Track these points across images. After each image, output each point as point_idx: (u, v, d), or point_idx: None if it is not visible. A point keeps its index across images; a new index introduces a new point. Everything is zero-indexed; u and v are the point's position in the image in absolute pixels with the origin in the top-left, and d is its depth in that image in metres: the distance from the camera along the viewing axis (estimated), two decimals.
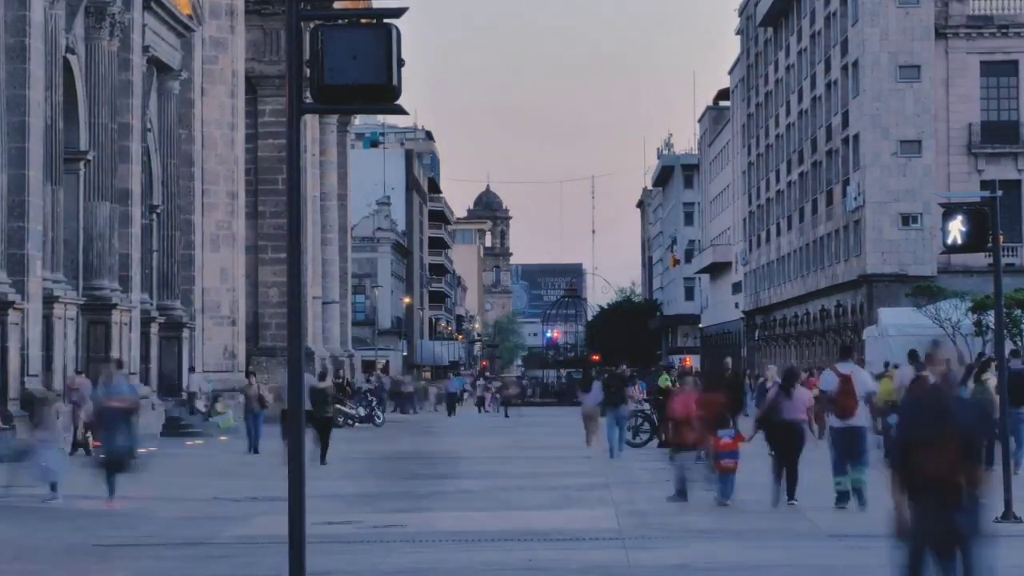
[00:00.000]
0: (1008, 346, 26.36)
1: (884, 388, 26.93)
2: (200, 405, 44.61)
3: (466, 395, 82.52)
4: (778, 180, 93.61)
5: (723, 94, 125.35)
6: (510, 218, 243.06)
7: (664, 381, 39.07)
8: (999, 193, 18.67)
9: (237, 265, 50.63)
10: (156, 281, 45.08)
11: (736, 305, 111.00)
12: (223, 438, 40.19)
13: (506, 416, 64.20)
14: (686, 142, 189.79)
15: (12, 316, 32.69)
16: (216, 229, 49.64)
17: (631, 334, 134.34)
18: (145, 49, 42.83)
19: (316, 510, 17.70)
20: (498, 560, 15.12)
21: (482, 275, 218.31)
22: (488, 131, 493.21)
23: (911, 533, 9.55)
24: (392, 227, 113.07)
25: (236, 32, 50.85)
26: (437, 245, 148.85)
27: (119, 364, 28.16)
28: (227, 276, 49.95)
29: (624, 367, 40.68)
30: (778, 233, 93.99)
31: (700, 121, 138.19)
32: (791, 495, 20.45)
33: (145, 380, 42.85)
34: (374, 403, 53.70)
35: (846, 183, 73.40)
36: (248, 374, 41.18)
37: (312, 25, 9.42)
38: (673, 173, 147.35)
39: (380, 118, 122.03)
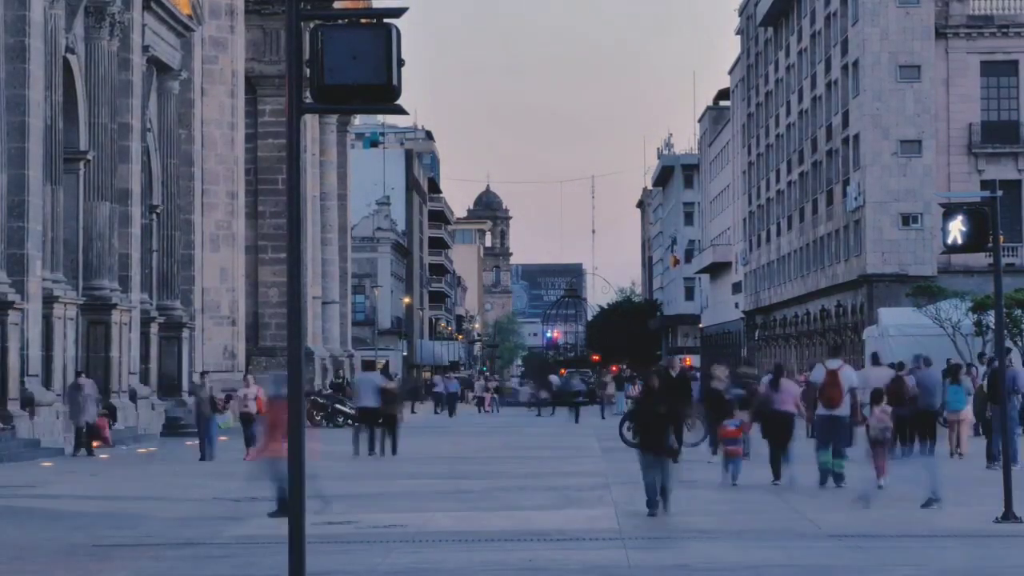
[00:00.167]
0: (1010, 348, 26.35)
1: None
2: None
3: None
4: (778, 180, 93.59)
5: (723, 94, 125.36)
6: (510, 218, 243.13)
7: None
8: (999, 193, 18.64)
9: (237, 265, 50.65)
10: (156, 281, 45.08)
11: (736, 305, 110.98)
12: (223, 438, 40.13)
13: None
14: (686, 142, 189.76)
15: (12, 316, 32.68)
16: (216, 229, 49.66)
17: (631, 334, 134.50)
18: (145, 49, 42.82)
19: (316, 510, 17.68)
20: (498, 560, 15.10)
21: (482, 275, 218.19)
22: (488, 131, 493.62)
23: None
24: (392, 227, 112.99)
25: (236, 32, 50.87)
26: (437, 245, 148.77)
27: None
28: (227, 276, 49.96)
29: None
30: (778, 233, 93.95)
31: (700, 121, 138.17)
32: (777, 476, 22.93)
33: (145, 380, 42.87)
34: None
35: (846, 183, 73.39)
36: (246, 375, 41.11)
37: (312, 25, 9.41)
38: (673, 173, 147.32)
39: (380, 118, 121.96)
